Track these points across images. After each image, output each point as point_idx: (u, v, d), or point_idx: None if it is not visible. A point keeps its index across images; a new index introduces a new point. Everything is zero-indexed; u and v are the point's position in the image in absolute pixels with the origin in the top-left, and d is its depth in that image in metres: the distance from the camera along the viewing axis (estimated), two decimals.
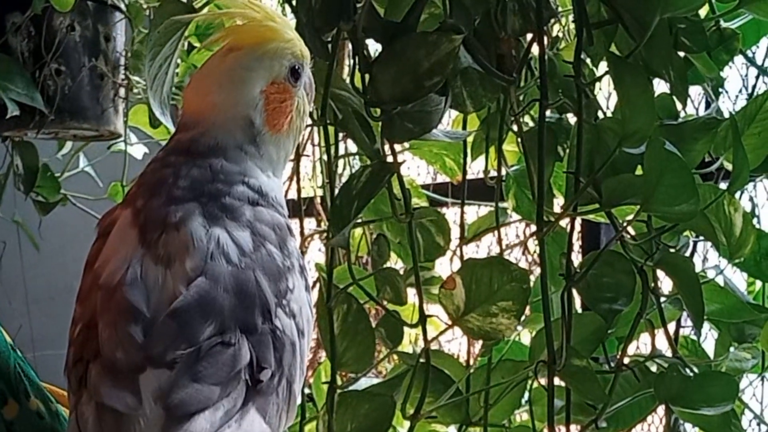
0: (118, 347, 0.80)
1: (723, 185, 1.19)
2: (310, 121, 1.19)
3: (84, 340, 0.82)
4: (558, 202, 1.27)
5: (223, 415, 0.79)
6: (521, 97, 1.18)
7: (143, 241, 0.83)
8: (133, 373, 0.79)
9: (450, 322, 1.11)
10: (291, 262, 0.88)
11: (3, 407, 0.95)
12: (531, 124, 1.22)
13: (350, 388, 1.13)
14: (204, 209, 0.84)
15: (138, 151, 1.82)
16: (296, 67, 0.93)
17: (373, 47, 1.15)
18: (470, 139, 1.28)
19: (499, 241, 1.25)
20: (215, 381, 0.79)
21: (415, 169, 1.84)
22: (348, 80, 1.14)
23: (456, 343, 1.71)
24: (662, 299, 1.15)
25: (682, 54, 1.14)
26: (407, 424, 1.16)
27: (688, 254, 1.21)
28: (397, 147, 1.13)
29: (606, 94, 1.44)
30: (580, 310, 1.19)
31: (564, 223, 1.15)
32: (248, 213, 0.86)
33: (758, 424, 1.36)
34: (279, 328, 0.84)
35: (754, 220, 1.25)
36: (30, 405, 0.96)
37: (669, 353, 1.18)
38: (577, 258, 1.29)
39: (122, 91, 1.71)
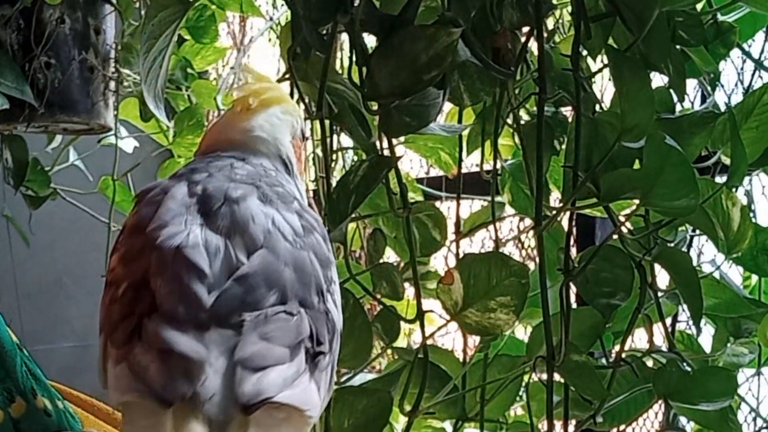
0: (181, 303, 0.80)
1: (720, 179, 1.19)
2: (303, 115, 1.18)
3: (133, 297, 0.82)
4: (554, 196, 1.27)
5: (294, 374, 0.80)
6: (517, 91, 1.18)
7: (202, 211, 0.84)
8: (198, 328, 0.79)
9: (448, 318, 1.10)
10: (333, 258, 0.90)
11: (10, 405, 0.94)
12: (526, 118, 1.22)
13: (347, 383, 1.12)
14: (259, 192, 0.86)
15: (128, 144, 1.81)
16: (303, 128, 0.99)
17: (369, 40, 1.14)
18: (465, 133, 1.27)
19: (496, 235, 1.24)
20: (284, 343, 0.80)
21: (408, 162, 1.84)
22: (342, 73, 1.13)
23: (449, 338, 1.71)
24: (659, 294, 1.14)
25: (679, 47, 1.13)
26: (403, 419, 1.16)
27: (685, 249, 1.20)
28: (393, 141, 1.12)
29: (600, 88, 1.43)
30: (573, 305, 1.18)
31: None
32: (296, 204, 0.88)
33: (754, 419, 1.36)
34: (330, 311, 0.85)
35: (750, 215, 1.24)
36: (37, 403, 0.95)
37: (666, 348, 1.17)
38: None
39: (112, 85, 1.69)
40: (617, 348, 1.15)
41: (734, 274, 1.29)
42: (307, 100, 1.14)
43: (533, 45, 1.12)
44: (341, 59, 1.38)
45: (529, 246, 1.77)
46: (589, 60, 1.17)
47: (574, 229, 1.65)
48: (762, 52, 1.31)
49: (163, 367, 0.78)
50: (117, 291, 0.83)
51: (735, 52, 1.28)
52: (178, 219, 0.84)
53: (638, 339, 1.43)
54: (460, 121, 1.27)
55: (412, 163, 1.87)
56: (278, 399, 0.78)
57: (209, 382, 0.78)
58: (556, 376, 1.09)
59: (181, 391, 0.77)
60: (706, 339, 1.26)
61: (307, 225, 0.87)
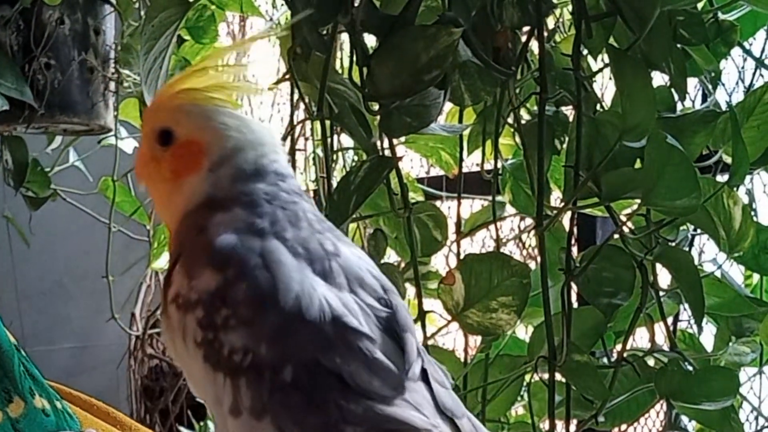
0: (373, 377, 0.77)
1: (721, 178, 1.19)
2: (303, 115, 1.18)
3: (313, 381, 0.77)
4: (555, 196, 1.27)
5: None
6: (518, 91, 1.18)
7: (318, 272, 0.79)
8: (399, 396, 0.77)
9: (449, 318, 1.10)
10: None
11: (8, 405, 0.93)
12: (527, 117, 1.22)
13: None
14: (334, 236, 0.82)
15: (128, 145, 1.81)
16: None
17: (369, 41, 1.14)
18: (466, 133, 1.27)
19: (497, 235, 1.24)
20: (446, 385, 0.79)
21: (409, 162, 1.84)
22: (342, 74, 1.13)
23: (450, 338, 1.71)
24: (661, 293, 1.14)
25: (680, 46, 1.13)
26: None
27: (686, 248, 1.20)
28: (394, 141, 1.12)
29: (601, 87, 1.43)
30: (575, 305, 1.18)
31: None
32: (347, 236, 0.87)
33: (756, 418, 1.36)
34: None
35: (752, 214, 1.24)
36: (35, 403, 0.95)
37: (667, 348, 1.17)
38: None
39: (112, 85, 1.69)
40: (619, 347, 1.15)
41: (736, 273, 1.29)
42: (307, 101, 1.14)
43: (534, 44, 1.12)
44: (341, 59, 1.38)
45: (530, 246, 1.77)
46: (590, 59, 1.17)
47: (576, 229, 1.65)
48: (763, 50, 1.31)
49: None
50: (280, 375, 0.78)
51: (736, 51, 1.28)
52: (305, 286, 0.78)
53: (640, 338, 1.43)
54: (460, 120, 1.27)
55: (412, 163, 1.87)
56: None
57: None
58: (558, 376, 1.09)
59: None
60: (707, 338, 1.26)
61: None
